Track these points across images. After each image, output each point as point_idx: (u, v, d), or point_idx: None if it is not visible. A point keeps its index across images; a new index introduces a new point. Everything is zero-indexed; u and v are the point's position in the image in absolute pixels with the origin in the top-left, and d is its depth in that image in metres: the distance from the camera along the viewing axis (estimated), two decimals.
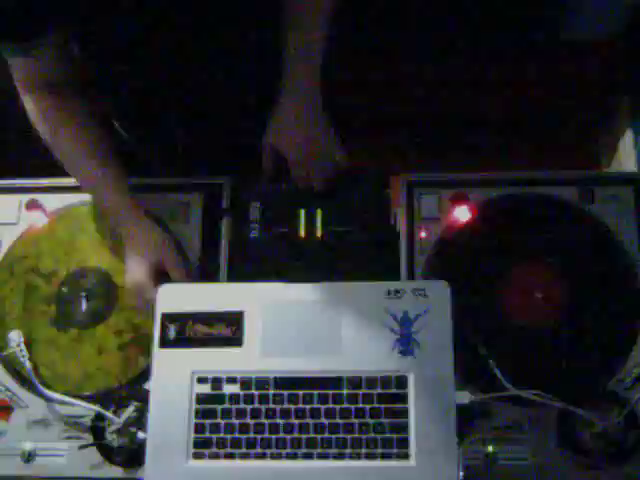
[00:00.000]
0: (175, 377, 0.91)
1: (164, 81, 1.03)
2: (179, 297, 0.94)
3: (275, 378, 0.90)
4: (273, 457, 0.88)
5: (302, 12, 0.95)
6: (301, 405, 0.89)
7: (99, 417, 0.93)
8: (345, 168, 1.02)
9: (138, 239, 1.01)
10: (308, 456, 0.88)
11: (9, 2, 0.88)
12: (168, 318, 0.93)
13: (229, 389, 0.90)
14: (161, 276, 0.99)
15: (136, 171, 1.10)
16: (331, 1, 0.95)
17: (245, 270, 1.02)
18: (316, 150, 0.99)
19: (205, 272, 1.03)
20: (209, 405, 0.90)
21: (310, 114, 0.99)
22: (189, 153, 1.20)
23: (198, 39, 0.97)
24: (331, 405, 0.89)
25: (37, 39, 0.93)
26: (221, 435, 0.89)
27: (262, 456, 0.88)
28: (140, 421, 0.93)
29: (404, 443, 0.87)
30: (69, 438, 0.95)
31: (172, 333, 0.92)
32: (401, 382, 0.89)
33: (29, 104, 1.00)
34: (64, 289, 1.03)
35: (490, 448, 0.91)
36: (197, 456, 0.89)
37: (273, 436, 0.88)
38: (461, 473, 0.85)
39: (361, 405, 0.89)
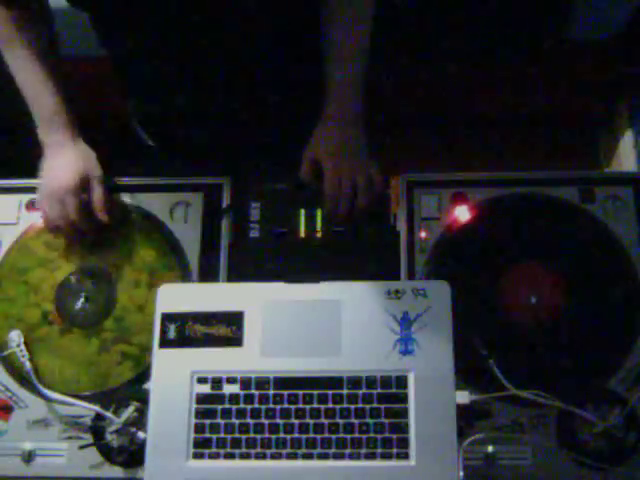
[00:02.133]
0: (175, 377, 0.91)
1: (171, 75, 1.04)
2: (179, 297, 0.94)
3: (275, 378, 0.90)
4: (273, 457, 0.88)
5: (346, 47, 0.99)
6: (301, 405, 0.89)
7: (99, 417, 0.93)
8: (379, 191, 1.01)
9: (68, 148, 1.02)
10: (308, 456, 0.88)
11: None
12: (168, 318, 0.93)
13: (229, 389, 0.90)
14: (82, 192, 1.01)
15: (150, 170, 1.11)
16: (369, 36, 0.99)
17: (245, 270, 1.02)
18: (352, 160, 1.00)
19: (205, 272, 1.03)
20: (209, 405, 0.90)
21: (354, 131, 1.01)
22: (190, 152, 1.21)
23: (204, 37, 0.97)
24: (331, 405, 0.89)
25: None
26: (221, 435, 0.89)
27: (262, 456, 0.88)
28: (140, 421, 0.93)
29: (404, 443, 0.87)
30: (69, 438, 0.95)
31: (172, 333, 0.93)
32: (401, 382, 0.89)
33: None
34: (64, 289, 1.03)
35: (490, 448, 0.91)
36: (197, 456, 0.89)
37: (273, 436, 0.88)
38: (461, 473, 0.85)
39: (361, 405, 0.89)
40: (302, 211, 1.04)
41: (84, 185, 1.01)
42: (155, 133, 1.23)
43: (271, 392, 0.90)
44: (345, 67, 1.00)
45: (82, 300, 1.02)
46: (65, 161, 1.01)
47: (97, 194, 1.02)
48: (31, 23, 1.01)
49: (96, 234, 1.04)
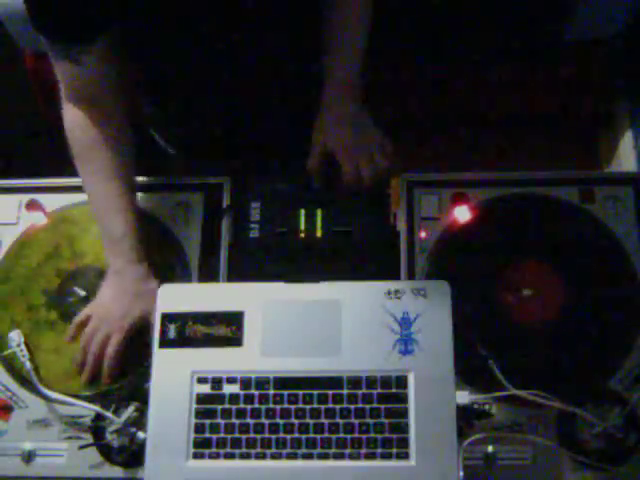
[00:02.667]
0: (175, 377, 0.91)
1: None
2: (179, 297, 0.94)
3: (275, 378, 0.90)
4: (273, 457, 0.88)
5: (345, 39, 1.00)
6: (301, 405, 0.89)
7: (99, 417, 0.93)
8: (395, 162, 1.03)
9: (129, 280, 0.98)
10: (308, 456, 0.88)
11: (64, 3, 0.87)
12: (168, 318, 0.93)
13: (229, 389, 0.90)
14: (132, 335, 0.98)
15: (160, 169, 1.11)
16: (367, 34, 1.00)
17: (245, 270, 1.02)
18: (366, 141, 1.02)
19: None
20: (209, 405, 0.90)
21: (356, 108, 1.03)
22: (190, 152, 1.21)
23: (207, 38, 0.97)
24: (331, 405, 0.89)
25: (88, 43, 0.92)
26: (221, 435, 0.89)
27: (262, 456, 0.88)
28: (140, 421, 0.93)
29: (404, 443, 0.87)
30: (69, 438, 0.95)
31: (172, 333, 0.92)
32: (401, 382, 0.89)
33: (68, 113, 0.99)
34: (64, 289, 1.03)
35: (490, 448, 0.91)
36: (197, 456, 0.89)
37: (273, 436, 0.88)
38: (461, 473, 0.85)
39: (361, 405, 0.89)
40: (302, 211, 1.04)
41: (133, 329, 0.98)
42: (160, 133, 1.23)
43: (271, 392, 0.90)
44: (346, 65, 1.01)
45: (82, 300, 1.02)
46: (126, 298, 0.98)
47: (115, 344, 0.97)
48: (112, 135, 0.99)
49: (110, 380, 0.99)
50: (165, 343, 0.92)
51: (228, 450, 0.89)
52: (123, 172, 1.00)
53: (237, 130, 1.15)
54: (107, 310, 0.98)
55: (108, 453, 0.93)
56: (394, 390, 0.89)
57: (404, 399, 0.88)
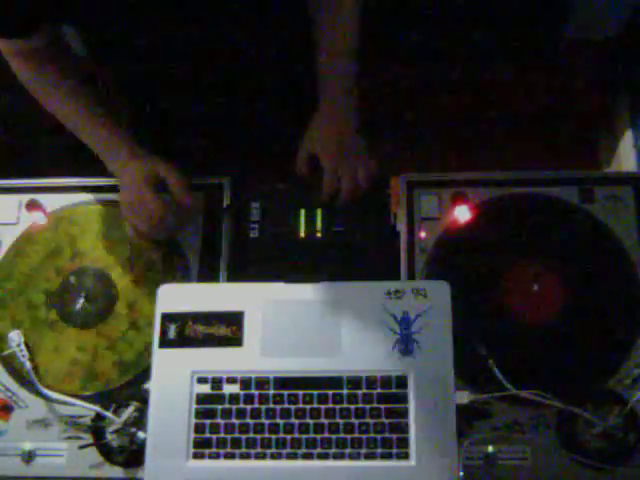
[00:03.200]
0: (175, 377, 0.91)
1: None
2: (179, 297, 0.94)
3: (275, 378, 0.90)
4: (273, 457, 0.88)
5: (335, 40, 1.00)
6: (301, 405, 0.89)
7: (99, 417, 0.93)
8: (375, 177, 1.02)
9: (131, 164, 1.01)
10: (308, 456, 0.88)
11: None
12: (168, 318, 0.93)
13: (229, 389, 0.90)
14: (159, 186, 1.00)
15: None
16: (358, 35, 1.00)
17: (245, 270, 1.02)
18: (350, 156, 1.01)
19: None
20: (209, 405, 0.90)
21: (345, 123, 1.02)
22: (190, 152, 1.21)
23: (205, 38, 0.97)
24: (331, 405, 0.89)
25: (25, 37, 0.94)
26: (221, 435, 0.89)
27: (262, 456, 0.88)
28: (140, 421, 0.93)
29: (404, 443, 0.87)
30: (69, 438, 0.95)
31: (172, 333, 0.93)
32: (401, 382, 0.89)
33: (19, 67, 1.02)
34: (64, 289, 1.03)
35: (490, 448, 0.91)
36: (197, 456, 0.89)
37: (273, 436, 0.88)
38: (461, 473, 0.85)
39: (361, 405, 0.89)
40: (302, 211, 1.04)
41: (157, 184, 1.01)
42: (155, 133, 1.23)
43: (271, 392, 0.90)
44: (337, 65, 1.01)
45: (82, 300, 1.02)
46: (133, 175, 1.01)
47: (172, 183, 1.01)
48: (53, 60, 1.01)
49: (181, 225, 1.04)
50: (165, 343, 0.92)
51: (228, 450, 0.89)
52: (78, 86, 1.03)
53: (238, 129, 1.15)
54: (129, 201, 1.00)
55: (108, 453, 0.93)
56: (394, 390, 0.89)
57: (404, 399, 0.88)
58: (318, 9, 0.99)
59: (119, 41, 0.99)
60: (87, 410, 0.94)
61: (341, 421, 0.88)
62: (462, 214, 1.03)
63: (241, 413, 0.89)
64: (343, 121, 1.02)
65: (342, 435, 0.88)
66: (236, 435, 0.89)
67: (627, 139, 1.53)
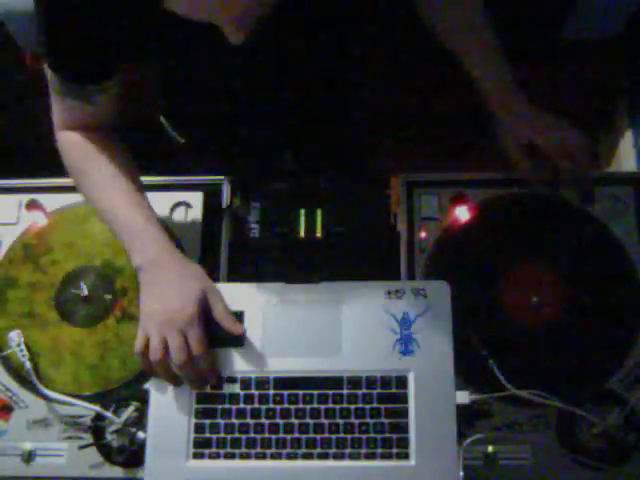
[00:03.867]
0: None
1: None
2: None
3: (275, 378, 0.90)
4: (273, 457, 0.88)
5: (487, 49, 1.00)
6: (301, 405, 0.89)
7: (99, 417, 0.93)
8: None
9: (171, 266, 0.90)
10: (308, 456, 0.88)
11: (80, 41, 0.85)
12: None
13: (229, 389, 0.90)
14: (202, 320, 0.88)
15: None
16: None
17: (245, 270, 1.02)
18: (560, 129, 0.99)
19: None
20: (209, 405, 0.90)
21: (523, 96, 1.00)
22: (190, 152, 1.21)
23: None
24: (331, 405, 0.89)
25: (106, 81, 0.90)
26: (221, 435, 0.89)
27: (262, 456, 0.88)
28: (140, 421, 0.93)
29: (404, 443, 0.87)
30: (69, 438, 0.95)
31: None
32: (401, 382, 0.89)
33: (63, 136, 0.97)
34: (64, 289, 1.03)
35: (490, 448, 0.91)
36: (197, 456, 0.89)
37: (273, 436, 0.88)
38: (461, 473, 0.85)
39: (361, 405, 0.89)
40: (302, 211, 1.04)
41: (203, 310, 0.88)
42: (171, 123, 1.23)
43: (271, 392, 0.90)
44: (490, 66, 1.00)
45: (82, 300, 1.01)
46: (175, 284, 0.88)
47: (220, 310, 0.90)
48: (112, 147, 0.96)
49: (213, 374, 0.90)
50: None
51: (228, 450, 0.89)
52: (131, 174, 0.96)
53: (239, 130, 1.15)
54: (164, 309, 0.87)
55: (108, 453, 0.93)
56: (394, 390, 0.89)
57: (404, 399, 0.88)
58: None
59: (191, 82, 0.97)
60: (87, 410, 0.94)
61: (341, 421, 0.88)
62: (462, 214, 1.03)
63: (241, 413, 0.89)
64: (522, 94, 0.99)
65: (342, 435, 0.88)
66: (236, 435, 0.89)
67: (627, 139, 1.52)
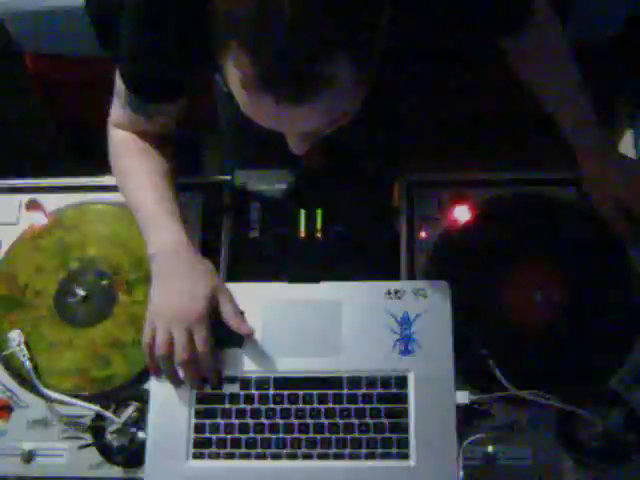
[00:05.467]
0: None
1: None
2: None
3: (275, 378, 0.90)
4: (273, 457, 0.88)
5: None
6: (301, 405, 0.89)
7: (99, 417, 0.93)
8: None
9: (186, 262, 0.91)
10: (308, 456, 0.88)
11: (156, 68, 0.88)
12: None
13: (229, 389, 0.90)
14: (211, 322, 0.88)
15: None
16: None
17: (245, 270, 1.02)
18: None
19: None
20: (209, 405, 0.90)
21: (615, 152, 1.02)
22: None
23: None
24: (331, 405, 0.89)
25: (168, 104, 0.93)
26: (221, 435, 0.89)
27: (262, 456, 0.88)
28: (140, 421, 0.93)
29: (404, 443, 0.87)
30: (69, 438, 0.95)
31: None
32: (401, 382, 0.89)
33: (117, 134, 0.99)
34: (64, 288, 1.03)
35: (490, 448, 0.91)
36: (197, 456, 0.89)
37: (273, 436, 0.88)
38: (461, 473, 0.85)
39: (361, 405, 0.89)
40: (302, 211, 1.04)
41: (211, 312, 0.89)
42: None
43: (271, 392, 0.90)
44: (584, 134, 1.01)
45: (82, 300, 1.01)
46: (186, 280, 0.89)
47: (229, 310, 0.90)
48: (160, 152, 0.99)
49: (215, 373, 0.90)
50: None
51: (228, 450, 0.89)
52: (167, 174, 0.98)
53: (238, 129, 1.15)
54: (173, 304, 0.87)
55: (108, 453, 0.93)
56: (394, 390, 0.89)
57: (404, 399, 0.88)
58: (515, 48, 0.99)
59: None
60: (87, 410, 0.94)
61: (341, 421, 0.88)
62: (462, 214, 1.03)
63: (241, 413, 0.89)
64: (614, 152, 1.01)
65: (342, 435, 0.88)
66: (236, 435, 0.89)
67: (627, 139, 1.53)
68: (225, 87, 0.74)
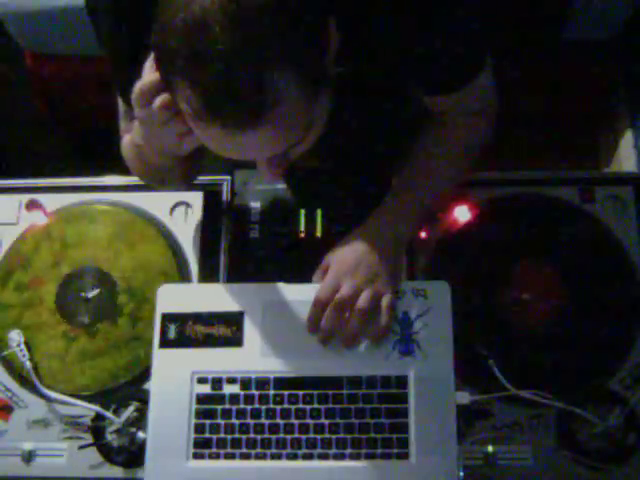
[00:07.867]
0: (175, 377, 0.91)
1: None
2: (179, 297, 0.94)
3: (275, 378, 0.90)
4: (273, 457, 0.88)
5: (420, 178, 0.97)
6: (301, 405, 0.89)
7: (99, 417, 0.93)
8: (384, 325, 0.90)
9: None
10: (308, 456, 0.88)
11: None
12: (168, 318, 0.93)
13: (229, 389, 0.90)
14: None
15: None
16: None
17: (245, 270, 1.02)
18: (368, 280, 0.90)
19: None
20: (209, 405, 0.90)
21: (389, 248, 0.93)
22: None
23: None
24: (331, 405, 0.89)
25: None
26: (221, 435, 0.89)
27: (262, 456, 0.88)
28: (140, 421, 0.93)
29: (404, 443, 0.87)
30: (69, 438, 0.95)
31: (172, 333, 0.93)
32: (401, 382, 0.89)
33: (125, 141, 0.97)
34: (64, 289, 1.03)
35: (490, 448, 0.91)
36: (197, 456, 0.89)
37: (273, 436, 0.88)
38: (461, 473, 0.86)
39: (361, 405, 0.89)
40: (302, 211, 1.04)
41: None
42: None
43: (271, 392, 0.90)
44: (411, 195, 0.96)
45: (82, 300, 1.01)
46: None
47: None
48: None
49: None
50: (165, 343, 0.92)
51: (228, 450, 0.89)
52: None
53: None
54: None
55: (108, 453, 0.93)
56: (394, 390, 0.89)
57: (404, 399, 0.88)
58: (425, 133, 0.98)
59: None
60: (87, 410, 0.94)
61: (341, 421, 0.88)
62: (462, 214, 1.03)
63: (241, 413, 0.89)
64: (386, 241, 0.92)
65: (342, 435, 0.88)
66: (236, 435, 0.89)
67: (627, 139, 1.52)
68: None
